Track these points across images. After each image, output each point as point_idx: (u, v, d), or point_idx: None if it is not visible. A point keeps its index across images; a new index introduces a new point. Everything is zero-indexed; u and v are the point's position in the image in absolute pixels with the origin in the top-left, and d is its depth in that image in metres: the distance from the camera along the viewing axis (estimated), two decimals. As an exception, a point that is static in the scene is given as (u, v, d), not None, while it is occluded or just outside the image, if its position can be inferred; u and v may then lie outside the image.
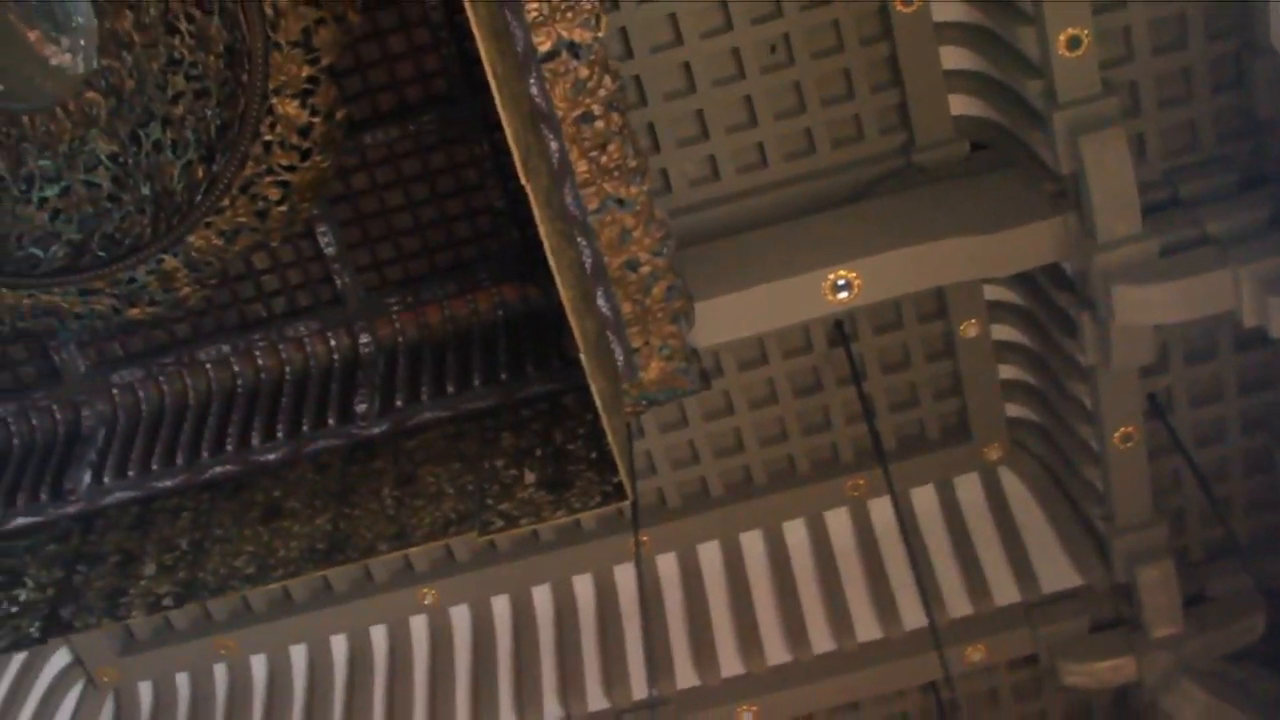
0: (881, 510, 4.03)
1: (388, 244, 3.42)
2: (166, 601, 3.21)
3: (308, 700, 3.99)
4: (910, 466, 4.03)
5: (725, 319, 3.45)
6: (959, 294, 3.80)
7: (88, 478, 3.41)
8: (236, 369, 3.46)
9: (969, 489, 4.13)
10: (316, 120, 3.04)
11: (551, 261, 2.78)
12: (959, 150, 3.60)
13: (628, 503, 3.19)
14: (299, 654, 4.05)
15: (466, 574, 4.05)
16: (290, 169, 3.07)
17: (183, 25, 2.92)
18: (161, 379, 3.47)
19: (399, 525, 3.30)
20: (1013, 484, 4.10)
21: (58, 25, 2.90)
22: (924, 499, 4.12)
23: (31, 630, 3.17)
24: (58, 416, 3.49)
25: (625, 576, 4.01)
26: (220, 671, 4.01)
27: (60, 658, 3.78)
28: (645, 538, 3.88)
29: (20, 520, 3.38)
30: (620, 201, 3.12)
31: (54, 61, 2.93)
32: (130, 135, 3.03)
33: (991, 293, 3.85)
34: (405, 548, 3.27)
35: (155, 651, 3.93)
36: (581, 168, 3.06)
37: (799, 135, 3.57)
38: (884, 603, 4.01)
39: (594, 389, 2.98)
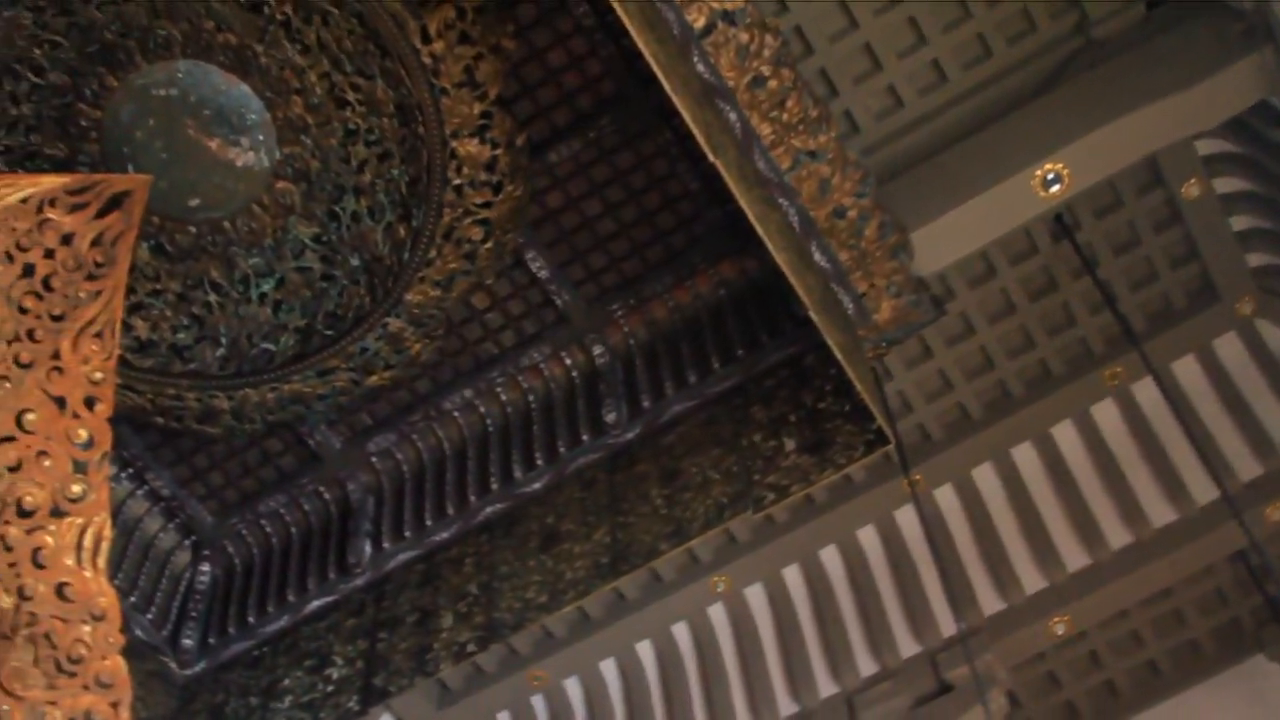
0: (1146, 392, 3.93)
1: (597, 253, 3.44)
2: (470, 648, 3.28)
3: (627, 711, 4.04)
4: (1164, 341, 3.92)
5: (943, 241, 3.41)
6: (1171, 157, 3.69)
7: (368, 548, 3.50)
8: (483, 410, 3.52)
9: (1229, 349, 4.00)
10: (499, 152, 3.07)
11: (759, 229, 2.77)
12: (1135, 14, 3.49)
13: (891, 446, 3.17)
14: (609, 668, 4.11)
15: (752, 553, 4.06)
16: (486, 205, 3.11)
17: (350, 96, 2.97)
18: (414, 437, 3.54)
19: (674, 522, 3.32)
20: (1272, 333, 3.97)
21: (234, 128, 2.98)
22: (1186, 370, 4.00)
23: (351, 705, 3.26)
24: (326, 497, 3.59)
25: (907, 518, 3.98)
26: (538, 702, 4.08)
27: (384, 725, 3.89)
28: (918, 476, 3.85)
29: (315, 603, 3.48)
30: (811, 154, 3.10)
31: (240, 163, 3.02)
32: (327, 213, 3.10)
33: (1205, 147, 3.72)
34: (685, 543, 3.29)
35: (472, 698, 4.01)
36: (765, 130, 3.05)
37: (971, 42, 3.50)
38: (1171, 483, 3.90)
39: (831, 343, 2.97)
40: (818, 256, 3.16)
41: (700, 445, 3.42)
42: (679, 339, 3.50)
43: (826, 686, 3.92)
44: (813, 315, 2.91)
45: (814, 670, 3.95)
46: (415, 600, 3.43)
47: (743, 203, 2.74)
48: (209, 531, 3.62)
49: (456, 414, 3.53)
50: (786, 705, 3.92)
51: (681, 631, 4.11)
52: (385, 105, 2.99)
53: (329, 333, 3.22)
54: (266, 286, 3.18)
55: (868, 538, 4.09)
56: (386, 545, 3.49)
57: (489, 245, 3.17)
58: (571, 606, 3.34)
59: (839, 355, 2.98)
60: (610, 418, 3.46)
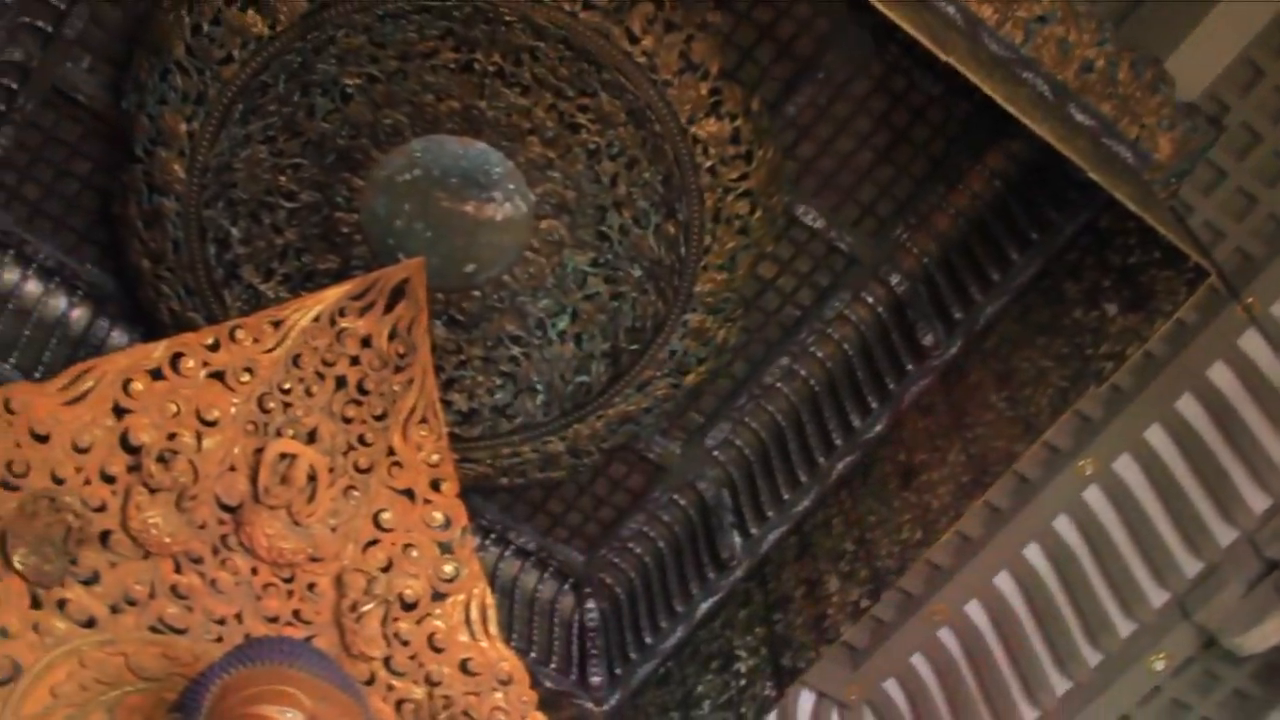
0: None
1: (864, 186, 3.40)
2: (863, 603, 3.27)
3: (1033, 617, 3.96)
4: None
5: (1200, 58, 3.27)
6: None
7: (738, 538, 3.52)
8: (804, 373, 3.50)
9: None
10: (739, 123, 3.06)
11: (1014, 111, 2.70)
12: None
13: (1214, 278, 3.05)
14: (1004, 581, 4.05)
15: (1109, 427, 3.95)
16: (743, 177, 3.11)
17: (581, 119, 3.00)
18: (747, 419, 3.54)
19: (1022, 421, 3.26)
20: None
21: (483, 186, 3.05)
22: None
23: (767, 692, 3.29)
24: (682, 502, 3.62)
25: (1253, 344, 3.80)
26: (946, 636, 4.05)
27: (805, 701, 3.90)
28: (1250, 299, 3.70)
29: (704, 606, 3.52)
30: (1041, 19, 3.01)
31: (500, 217, 3.08)
32: (596, 235, 3.14)
33: None
34: (1038, 437, 3.22)
35: (881, 650, 4.00)
36: (987, 13, 2.96)
37: None
38: None
39: (1121, 197, 2.88)
40: (1079, 117, 3.07)
41: (1024, 338, 3.35)
42: (970, 242, 3.43)
43: (1224, 535, 3.78)
44: (1093, 176, 2.83)
45: (1207, 522, 3.81)
46: (797, 573, 3.44)
47: (987, 90, 2.67)
48: (583, 570, 3.68)
49: (780, 385, 3.52)
50: (1190, 565, 3.80)
51: (1064, 525, 4.02)
52: (616, 115, 3.01)
53: (634, 347, 3.26)
54: (562, 324, 3.24)
55: (1220, 375, 3.91)
56: (754, 530, 3.50)
57: (758, 214, 3.16)
58: (948, 534, 3.31)
59: (1132, 206, 2.88)
60: (928, 340, 3.41)
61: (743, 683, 3.37)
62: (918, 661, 4.11)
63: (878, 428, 3.46)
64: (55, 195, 3.15)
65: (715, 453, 3.57)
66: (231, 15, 2.82)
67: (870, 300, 3.47)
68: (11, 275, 3.17)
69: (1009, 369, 3.39)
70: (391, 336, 2.92)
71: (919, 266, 3.46)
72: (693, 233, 3.13)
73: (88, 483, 2.73)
